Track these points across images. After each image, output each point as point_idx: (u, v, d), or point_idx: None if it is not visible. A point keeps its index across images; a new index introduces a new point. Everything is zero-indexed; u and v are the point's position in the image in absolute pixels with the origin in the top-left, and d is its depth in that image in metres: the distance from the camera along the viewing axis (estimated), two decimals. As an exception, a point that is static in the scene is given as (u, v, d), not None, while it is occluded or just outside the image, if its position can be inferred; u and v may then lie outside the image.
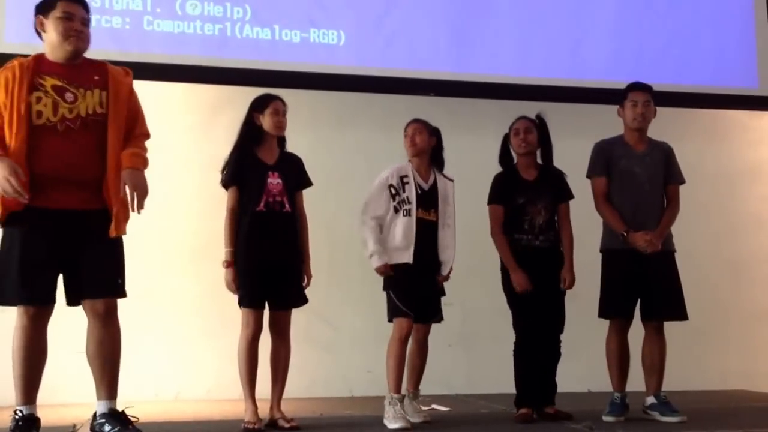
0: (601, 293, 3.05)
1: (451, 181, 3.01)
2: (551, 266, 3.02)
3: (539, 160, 3.11)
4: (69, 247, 2.28)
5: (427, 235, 2.87)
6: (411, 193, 2.90)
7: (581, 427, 2.75)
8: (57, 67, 2.34)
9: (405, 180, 2.91)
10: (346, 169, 3.98)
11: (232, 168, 2.78)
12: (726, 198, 4.49)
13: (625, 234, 2.96)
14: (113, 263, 2.36)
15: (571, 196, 3.10)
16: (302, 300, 2.84)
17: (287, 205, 2.77)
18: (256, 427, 2.65)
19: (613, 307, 3.01)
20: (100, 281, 2.31)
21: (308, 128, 3.97)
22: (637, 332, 3.04)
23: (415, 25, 4.04)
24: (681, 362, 3.13)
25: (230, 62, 3.85)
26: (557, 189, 3.08)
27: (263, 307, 2.77)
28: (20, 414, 2.27)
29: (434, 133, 2.99)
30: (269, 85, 3.60)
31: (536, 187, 3.04)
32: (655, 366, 2.99)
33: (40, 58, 2.35)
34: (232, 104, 3.91)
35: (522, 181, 3.07)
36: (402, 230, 2.85)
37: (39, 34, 2.40)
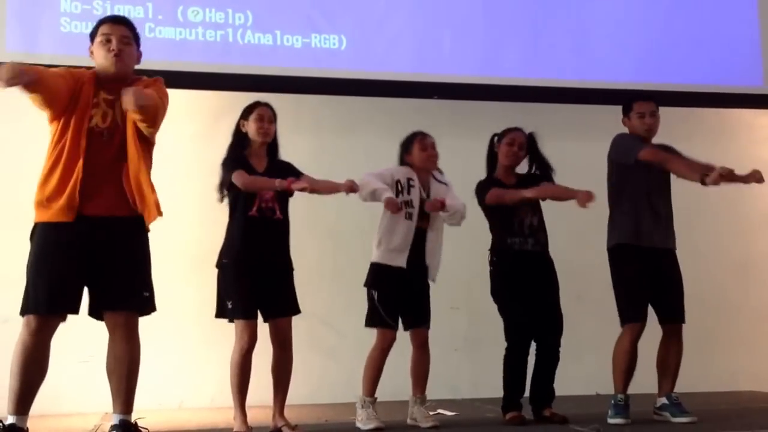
0: (620, 296, 2.99)
1: (445, 184, 3.02)
2: (543, 269, 3.02)
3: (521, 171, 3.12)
4: (96, 256, 2.31)
5: (418, 241, 2.90)
6: (416, 197, 2.92)
7: (588, 430, 2.74)
8: (108, 83, 2.43)
9: (411, 183, 2.93)
10: (349, 175, 3.94)
11: (231, 163, 2.78)
12: (734, 197, 4.42)
13: (705, 175, 2.73)
14: (137, 276, 2.39)
15: (549, 178, 3.06)
16: (296, 309, 2.82)
17: (278, 212, 2.77)
18: None
19: (634, 312, 2.95)
20: (122, 294, 2.34)
21: (310, 133, 3.98)
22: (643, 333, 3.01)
23: (417, 28, 4.04)
24: (690, 363, 3.11)
25: (232, 68, 3.85)
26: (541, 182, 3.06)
27: (257, 317, 2.75)
28: (3, 425, 2.27)
29: None
30: (271, 90, 3.61)
31: (519, 187, 3.04)
32: (670, 369, 2.99)
33: (96, 74, 2.45)
34: (234, 110, 3.85)
35: (503, 185, 3.09)
36: (402, 233, 2.87)
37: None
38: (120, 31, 2.45)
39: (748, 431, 2.68)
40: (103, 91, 2.41)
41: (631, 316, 2.96)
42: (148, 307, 2.42)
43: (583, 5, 4.24)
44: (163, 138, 3.87)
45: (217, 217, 3.01)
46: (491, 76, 4.04)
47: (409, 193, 2.91)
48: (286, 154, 2.96)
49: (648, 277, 2.95)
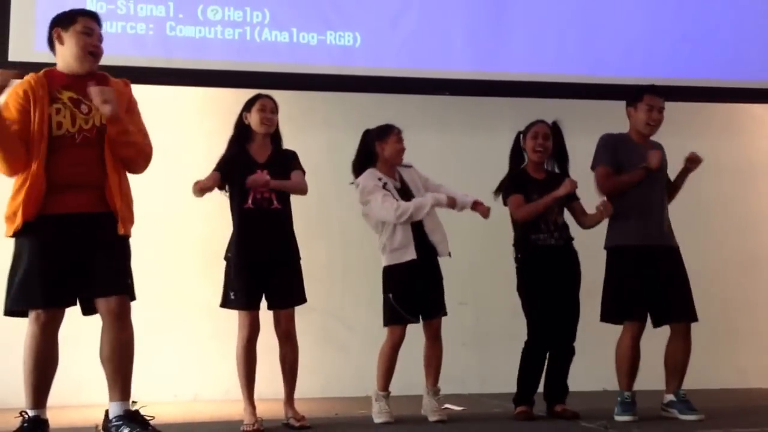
0: (608, 295, 3.01)
1: (410, 167, 3.03)
2: (566, 265, 3.03)
3: (549, 167, 3.13)
4: (80, 250, 2.32)
5: (416, 232, 2.90)
6: (394, 193, 2.94)
7: (596, 426, 2.76)
8: (70, 79, 2.39)
9: (383, 181, 2.94)
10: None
11: (220, 163, 2.84)
12: (743, 192, 4.42)
13: (645, 167, 2.92)
14: (122, 264, 2.39)
15: (577, 197, 3.11)
16: (300, 298, 2.84)
17: (275, 202, 2.79)
18: (254, 428, 2.69)
19: (629, 310, 2.97)
20: (112, 279, 2.33)
21: (324, 129, 4.03)
22: (649, 330, 3.02)
23: (430, 25, 4.05)
24: (699, 360, 3.11)
25: (250, 66, 3.90)
26: None
27: (258, 308, 2.78)
28: (27, 416, 2.31)
29: None
30: (287, 87, 3.68)
31: (547, 185, 3.05)
32: (678, 367, 2.99)
33: (51, 73, 2.40)
34: (251, 107, 3.98)
35: (532, 179, 3.09)
36: (401, 229, 2.89)
37: (52, 45, 2.44)
38: (98, 30, 2.44)
39: (757, 429, 2.67)
40: (66, 90, 2.35)
41: (628, 314, 2.97)
42: (131, 293, 2.39)
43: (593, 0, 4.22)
44: (179, 135, 3.96)
45: (223, 212, 3.07)
46: (504, 72, 4.05)
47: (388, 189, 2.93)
48: (299, 151, 2.99)
49: (646, 276, 2.94)
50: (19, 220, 2.29)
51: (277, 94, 3.15)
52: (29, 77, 2.38)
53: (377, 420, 2.86)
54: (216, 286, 3.76)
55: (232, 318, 3.36)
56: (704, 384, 3.64)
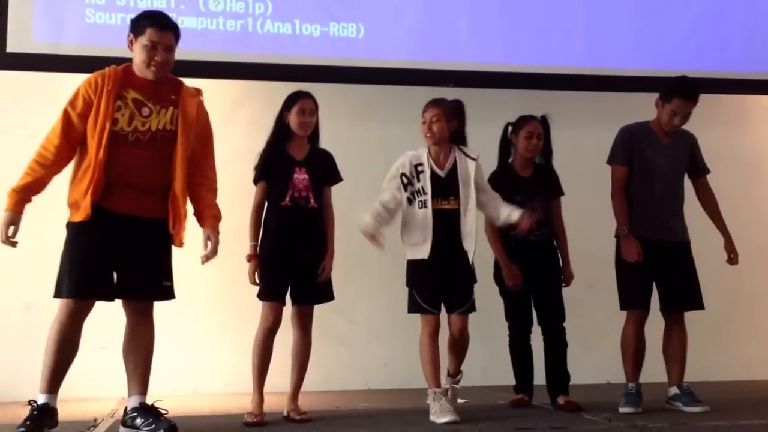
0: (620, 284, 3.03)
1: (474, 159, 2.80)
2: (545, 258, 3.08)
3: (537, 160, 3.14)
4: (124, 250, 2.40)
5: (447, 226, 2.73)
6: (426, 182, 2.75)
7: (600, 419, 2.74)
8: (141, 81, 2.47)
9: (420, 168, 2.78)
10: (364, 162, 3.98)
11: (260, 164, 2.86)
12: (752, 184, 4.40)
13: (624, 230, 2.95)
14: (163, 268, 2.49)
15: (561, 193, 3.14)
16: (327, 296, 2.87)
17: (312, 201, 2.82)
18: (256, 420, 2.68)
19: (632, 298, 2.99)
20: (149, 285, 2.44)
21: (327, 121, 3.96)
22: (654, 323, 3.01)
23: (433, 17, 4.03)
24: (705, 352, 3.11)
25: (251, 57, 3.88)
26: (550, 187, 3.13)
27: (283, 301, 2.81)
28: (36, 404, 2.35)
29: (455, 115, 2.81)
30: (290, 79, 3.66)
31: (532, 184, 3.08)
32: (677, 357, 2.98)
33: (129, 70, 2.49)
34: (252, 99, 3.97)
35: (518, 178, 3.10)
36: (419, 224, 2.74)
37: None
38: (166, 40, 2.47)
39: (763, 421, 2.65)
40: (133, 90, 2.45)
41: (630, 302, 2.98)
42: (169, 295, 2.51)
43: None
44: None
45: (234, 203, 3.05)
46: (507, 64, 4.03)
47: (418, 180, 2.76)
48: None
49: (651, 266, 2.94)
50: (86, 209, 2.34)
51: (279, 87, 3.13)
52: (106, 69, 2.46)
53: (441, 420, 2.59)
54: (216, 280, 3.77)
55: (232, 313, 3.36)
56: (711, 376, 3.64)
